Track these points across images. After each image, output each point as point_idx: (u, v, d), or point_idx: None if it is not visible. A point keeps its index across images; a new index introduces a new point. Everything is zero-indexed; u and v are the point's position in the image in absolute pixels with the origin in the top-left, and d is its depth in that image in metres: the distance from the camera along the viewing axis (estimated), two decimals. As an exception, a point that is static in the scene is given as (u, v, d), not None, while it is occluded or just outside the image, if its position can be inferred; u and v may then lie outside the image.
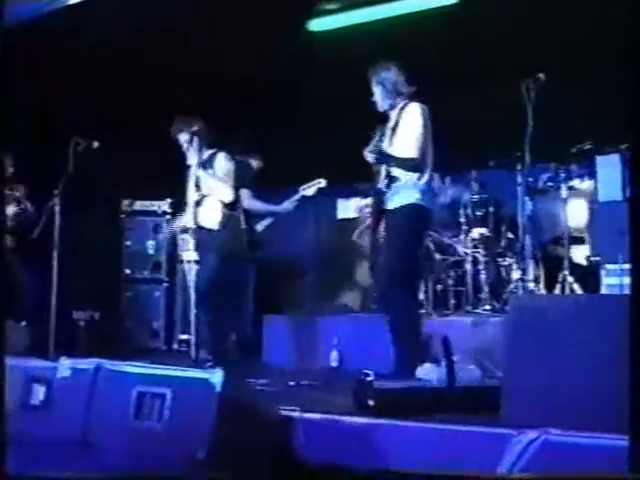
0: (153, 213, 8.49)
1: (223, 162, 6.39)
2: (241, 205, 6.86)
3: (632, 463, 2.60)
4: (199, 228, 6.12)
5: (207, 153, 6.44)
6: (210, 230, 6.18)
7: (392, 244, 5.29)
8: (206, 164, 6.37)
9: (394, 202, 5.28)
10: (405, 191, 5.26)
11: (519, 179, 6.75)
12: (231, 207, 6.38)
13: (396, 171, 5.27)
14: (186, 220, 6.21)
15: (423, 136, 5.22)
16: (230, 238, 6.38)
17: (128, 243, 8.50)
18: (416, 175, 5.23)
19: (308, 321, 7.40)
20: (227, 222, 6.27)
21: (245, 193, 7.19)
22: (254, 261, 7.65)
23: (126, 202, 8.57)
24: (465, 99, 7.46)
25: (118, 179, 8.43)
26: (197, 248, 6.07)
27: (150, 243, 8.36)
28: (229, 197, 6.30)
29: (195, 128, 6.27)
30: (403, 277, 5.19)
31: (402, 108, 5.32)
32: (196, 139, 6.26)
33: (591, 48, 6.74)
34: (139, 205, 8.55)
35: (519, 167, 6.70)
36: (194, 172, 6.26)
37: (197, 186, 6.23)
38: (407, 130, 5.24)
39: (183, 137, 6.37)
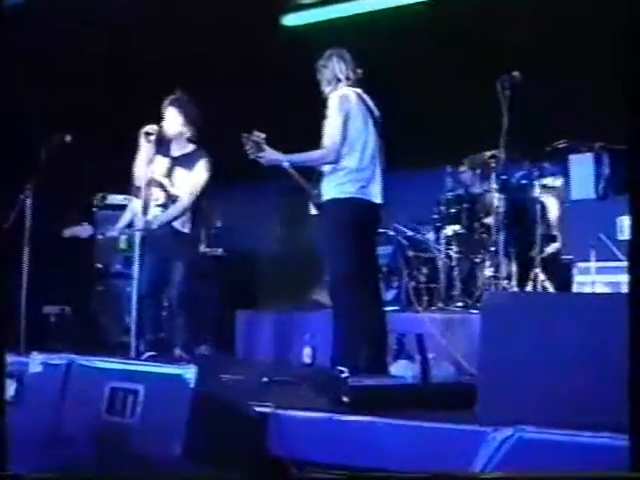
0: (126, 207, 8.41)
1: (204, 170, 6.00)
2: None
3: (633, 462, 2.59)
4: (170, 229, 5.96)
5: (184, 148, 6.10)
6: (178, 231, 6.00)
7: (323, 245, 5.25)
8: (182, 162, 6.04)
9: (323, 197, 5.20)
10: (328, 184, 5.18)
11: (493, 176, 6.78)
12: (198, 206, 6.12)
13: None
14: (152, 218, 5.92)
15: (340, 123, 5.06)
16: (195, 239, 6.28)
17: (100, 237, 8.43)
18: (338, 165, 5.08)
19: (281, 316, 7.42)
20: (193, 223, 6.10)
21: None
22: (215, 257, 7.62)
23: (99, 196, 8.51)
24: (440, 94, 7.48)
25: (91, 172, 8.38)
26: (160, 248, 5.95)
27: (122, 238, 8.29)
28: (189, 203, 5.98)
29: (191, 113, 6.01)
30: (341, 279, 5.09)
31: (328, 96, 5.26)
32: (190, 127, 6.04)
33: (568, 45, 6.78)
34: (112, 199, 8.47)
35: (493, 164, 6.73)
36: (167, 164, 6.02)
37: (170, 180, 5.98)
38: (326, 120, 5.15)
39: (173, 119, 6.00)
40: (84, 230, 7.74)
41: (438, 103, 7.51)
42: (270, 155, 5.11)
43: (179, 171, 6.01)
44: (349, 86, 5.25)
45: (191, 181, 5.98)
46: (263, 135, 5.08)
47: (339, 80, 5.26)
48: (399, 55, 7.33)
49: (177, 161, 6.05)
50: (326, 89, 5.31)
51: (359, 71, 5.33)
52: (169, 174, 6.02)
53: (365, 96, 5.30)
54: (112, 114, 8.06)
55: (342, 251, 5.08)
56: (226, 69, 7.84)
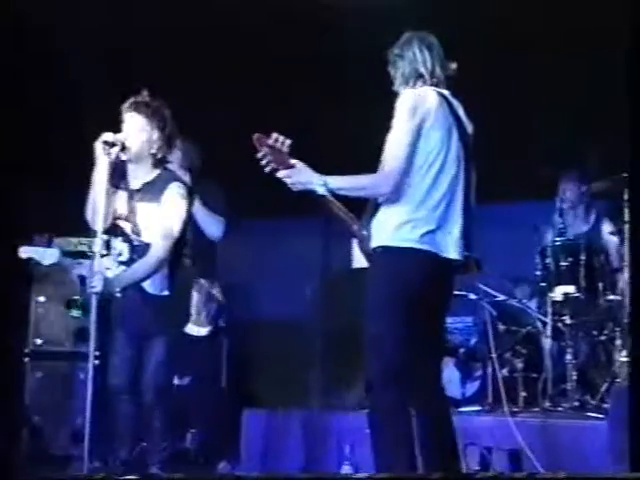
0: (80, 254, 8.37)
1: (177, 197, 5.96)
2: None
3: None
4: (140, 293, 5.94)
5: (146, 175, 6.04)
6: (153, 296, 5.97)
7: (368, 310, 5.02)
8: (146, 194, 6.00)
9: (372, 242, 5.09)
10: (380, 224, 5.07)
11: (626, 212, 6.68)
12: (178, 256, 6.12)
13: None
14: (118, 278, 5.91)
15: (407, 136, 4.95)
16: (183, 303, 6.24)
17: (41, 299, 8.39)
18: (399, 197, 4.97)
19: (308, 419, 7.38)
20: (173, 282, 6.03)
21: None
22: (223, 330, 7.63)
23: (41, 238, 8.47)
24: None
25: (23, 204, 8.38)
26: (128, 321, 6.02)
27: (75, 300, 8.24)
28: (164, 252, 5.93)
29: (163, 123, 5.98)
30: (385, 372, 4.88)
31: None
32: (159, 144, 5.99)
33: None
34: (60, 243, 8.43)
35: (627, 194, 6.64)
36: (126, 200, 6.02)
37: (134, 225, 5.97)
38: (392, 130, 5.03)
39: (136, 130, 5.92)
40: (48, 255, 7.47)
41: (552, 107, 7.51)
42: (302, 174, 4.99)
43: (143, 208, 5.97)
44: (432, 85, 5.17)
45: (162, 218, 5.92)
46: (289, 141, 4.94)
47: (420, 76, 5.18)
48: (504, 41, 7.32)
49: (139, 194, 6.01)
50: (401, 89, 5.23)
51: (453, 66, 5.26)
52: (130, 215, 6.00)
53: (454, 101, 5.21)
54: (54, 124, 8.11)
55: (389, 324, 4.91)
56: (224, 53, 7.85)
